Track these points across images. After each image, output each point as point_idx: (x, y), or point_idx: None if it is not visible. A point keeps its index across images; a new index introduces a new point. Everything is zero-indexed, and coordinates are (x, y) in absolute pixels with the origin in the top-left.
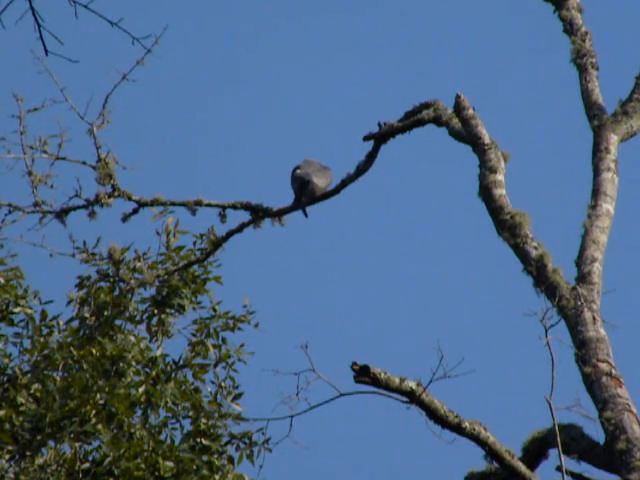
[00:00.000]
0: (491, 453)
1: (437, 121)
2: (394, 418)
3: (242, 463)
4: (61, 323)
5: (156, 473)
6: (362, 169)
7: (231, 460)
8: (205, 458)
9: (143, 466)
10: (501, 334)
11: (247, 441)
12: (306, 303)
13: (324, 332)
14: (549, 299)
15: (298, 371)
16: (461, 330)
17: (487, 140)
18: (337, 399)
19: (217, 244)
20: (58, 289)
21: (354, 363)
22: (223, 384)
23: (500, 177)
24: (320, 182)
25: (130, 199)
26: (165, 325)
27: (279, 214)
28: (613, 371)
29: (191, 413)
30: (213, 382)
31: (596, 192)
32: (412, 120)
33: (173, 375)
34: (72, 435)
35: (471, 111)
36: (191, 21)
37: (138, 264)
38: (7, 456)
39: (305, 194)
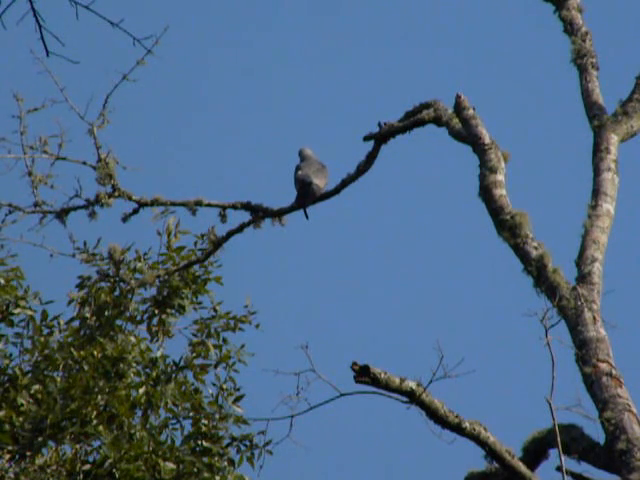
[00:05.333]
0: (491, 453)
1: (437, 121)
2: (394, 418)
3: (242, 464)
4: (62, 323)
5: (156, 475)
6: (362, 169)
7: (232, 462)
8: (206, 460)
9: (143, 468)
10: (501, 334)
11: (248, 443)
12: (306, 303)
13: (324, 332)
14: (549, 299)
15: (298, 371)
16: (461, 330)
17: (487, 140)
18: (337, 399)
19: (217, 244)
20: (58, 289)
21: (354, 363)
22: (224, 386)
23: (500, 177)
24: (321, 183)
25: (130, 199)
26: (166, 325)
27: (279, 214)
28: (613, 371)
29: (191, 414)
30: (214, 384)
31: (596, 192)
32: (412, 120)
33: (174, 376)
34: (72, 436)
35: (471, 111)
36: (191, 21)
37: (139, 264)
38: (7, 456)
39: (307, 195)
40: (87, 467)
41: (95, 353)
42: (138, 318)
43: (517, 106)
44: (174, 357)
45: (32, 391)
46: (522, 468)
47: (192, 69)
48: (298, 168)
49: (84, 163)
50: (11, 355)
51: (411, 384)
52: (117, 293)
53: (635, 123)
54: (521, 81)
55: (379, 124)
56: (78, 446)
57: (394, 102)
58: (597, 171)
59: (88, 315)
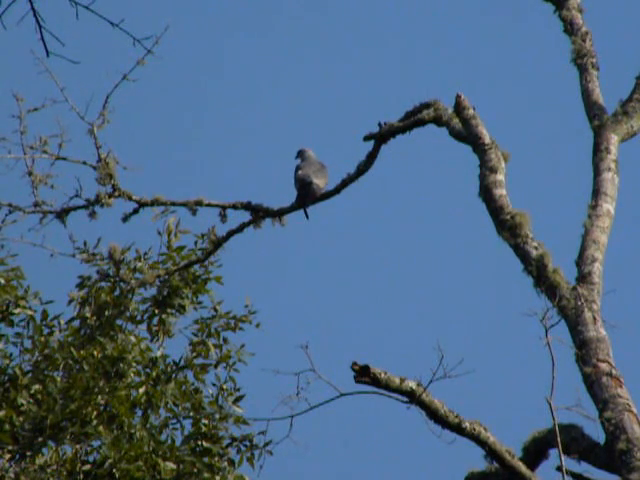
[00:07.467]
0: (491, 453)
1: (437, 121)
2: (394, 418)
3: (242, 464)
4: (62, 323)
5: (156, 475)
6: (362, 169)
7: (232, 462)
8: (206, 460)
9: (143, 468)
10: (501, 334)
11: (248, 444)
12: (306, 303)
13: (324, 332)
14: (549, 299)
15: (298, 371)
16: (461, 330)
17: (487, 140)
18: (337, 399)
19: (217, 244)
20: (59, 289)
21: (354, 363)
22: (224, 386)
23: (500, 177)
24: (321, 182)
25: (130, 199)
26: (166, 325)
27: (279, 214)
28: (613, 371)
29: (191, 414)
30: (214, 384)
31: (596, 192)
32: (412, 120)
33: (174, 376)
34: (72, 436)
35: (471, 111)
36: (191, 22)
37: (139, 264)
38: (7, 456)
39: (307, 195)
40: (87, 467)
41: (95, 353)
42: (138, 318)
43: (517, 106)
44: (174, 357)
45: (32, 391)
46: (522, 468)
47: (192, 69)
48: (298, 168)
49: (84, 163)
50: (11, 355)
51: (411, 384)
52: (117, 293)
53: (635, 123)
54: (521, 81)
55: (379, 124)
56: (78, 446)
57: (394, 102)
58: (597, 171)
59: (88, 315)
